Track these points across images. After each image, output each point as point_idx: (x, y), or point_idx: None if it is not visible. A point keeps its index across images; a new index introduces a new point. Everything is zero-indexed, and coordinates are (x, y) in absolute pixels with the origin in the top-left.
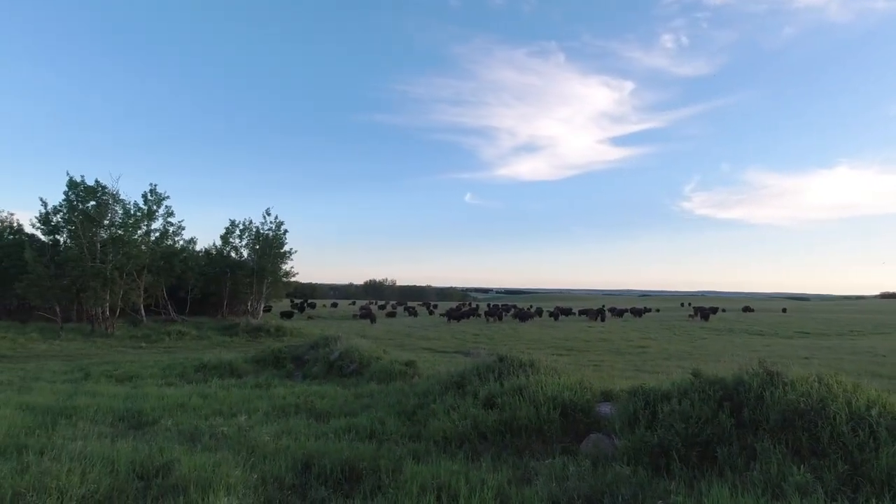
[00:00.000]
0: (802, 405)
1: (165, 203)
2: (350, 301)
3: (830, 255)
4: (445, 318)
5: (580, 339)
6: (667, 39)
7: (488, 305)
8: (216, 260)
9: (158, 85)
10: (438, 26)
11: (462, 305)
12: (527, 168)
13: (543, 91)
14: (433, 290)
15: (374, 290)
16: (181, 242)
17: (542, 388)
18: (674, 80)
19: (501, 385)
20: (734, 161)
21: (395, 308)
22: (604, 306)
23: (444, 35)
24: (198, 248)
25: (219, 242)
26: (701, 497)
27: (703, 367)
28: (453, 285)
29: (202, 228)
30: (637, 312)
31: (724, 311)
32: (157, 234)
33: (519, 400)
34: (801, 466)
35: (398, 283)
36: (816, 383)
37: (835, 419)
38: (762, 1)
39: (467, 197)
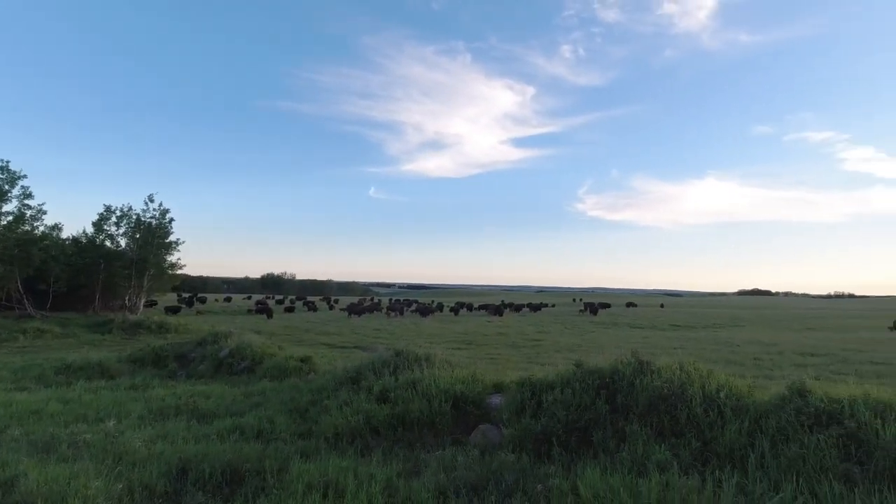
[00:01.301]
0: (666, 390)
1: (21, 183)
2: (245, 295)
3: (700, 256)
4: (346, 313)
5: (479, 334)
6: (566, 49)
7: (390, 300)
8: (87, 249)
9: (15, 51)
10: (348, 15)
11: (363, 300)
12: (433, 164)
13: (451, 89)
14: (335, 284)
15: (273, 284)
16: (42, 229)
17: (435, 381)
18: (571, 89)
19: (396, 379)
20: (623, 168)
21: (294, 303)
22: (503, 301)
23: (354, 25)
24: (64, 235)
25: (91, 230)
26: (576, 478)
27: (585, 358)
28: (355, 280)
29: (71, 215)
30: (534, 308)
31: (610, 306)
32: (11, 217)
33: (412, 393)
34: (663, 445)
35: (298, 277)
36: (678, 370)
37: (691, 402)
38: (648, 23)
39: (371, 191)
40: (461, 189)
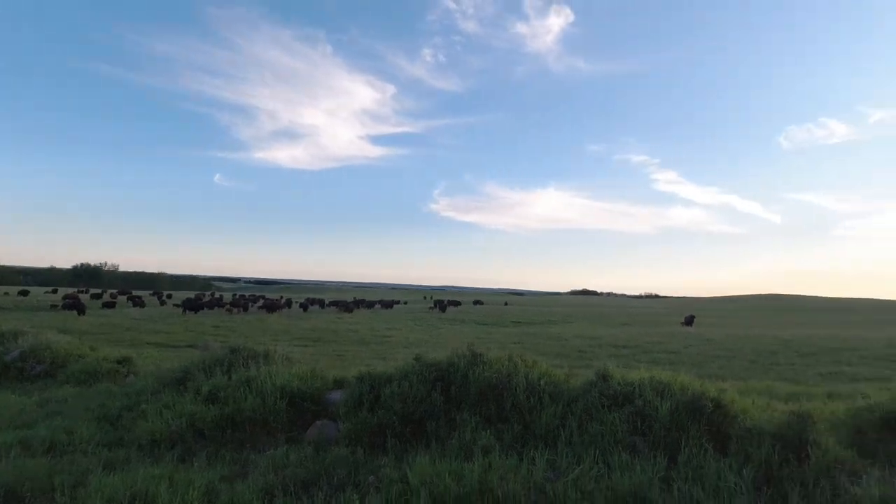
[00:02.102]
0: (495, 380)
1: None
2: (50, 289)
3: (540, 259)
4: (181, 309)
5: (329, 330)
6: (427, 53)
7: (234, 295)
8: None
9: None
10: None
11: (202, 295)
12: (286, 154)
13: (308, 78)
14: (168, 278)
15: (88, 275)
16: None
17: (271, 378)
18: (431, 92)
19: (229, 378)
20: (475, 173)
21: (116, 297)
22: (354, 298)
23: None
24: None
25: None
26: (406, 467)
27: (424, 352)
28: (195, 273)
29: None
30: (386, 305)
31: (460, 304)
32: None
33: (245, 392)
34: (489, 431)
35: (122, 269)
36: (507, 362)
37: (516, 390)
38: (503, 39)
39: (217, 177)
40: (316, 182)
